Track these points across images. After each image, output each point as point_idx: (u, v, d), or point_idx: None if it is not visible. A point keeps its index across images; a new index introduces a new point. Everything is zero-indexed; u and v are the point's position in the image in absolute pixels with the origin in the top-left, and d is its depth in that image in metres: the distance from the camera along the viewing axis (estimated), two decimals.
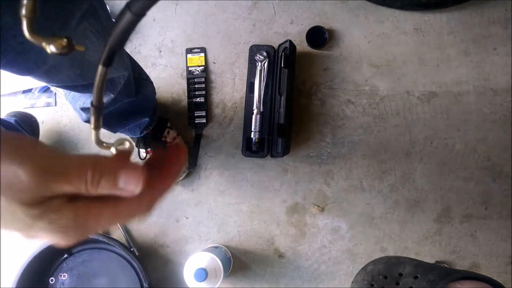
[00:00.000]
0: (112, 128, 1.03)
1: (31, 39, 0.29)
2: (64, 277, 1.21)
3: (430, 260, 1.19)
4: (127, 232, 1.25)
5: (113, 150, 0.32)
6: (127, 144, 0.32)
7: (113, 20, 0.68)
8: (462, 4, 1.20)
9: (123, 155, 0.32)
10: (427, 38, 1.21)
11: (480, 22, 1.20)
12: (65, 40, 0.28)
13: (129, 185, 0.28)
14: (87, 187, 0.27)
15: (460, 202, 1.19)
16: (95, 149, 0.33)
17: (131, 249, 1.21)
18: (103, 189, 0.28)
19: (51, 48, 0.28)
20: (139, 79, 0.94)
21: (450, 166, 1.20)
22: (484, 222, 1.19)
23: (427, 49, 1.21)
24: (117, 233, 1.26)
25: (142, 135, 1.13)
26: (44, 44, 0.28)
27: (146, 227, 1.26)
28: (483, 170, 1.19)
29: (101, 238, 1.17)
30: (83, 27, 0.57)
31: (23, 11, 0.28)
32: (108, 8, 1.21)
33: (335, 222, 1.22)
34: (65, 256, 1.21)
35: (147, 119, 1.09)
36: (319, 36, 1.22)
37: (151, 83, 1.03)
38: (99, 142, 0.32)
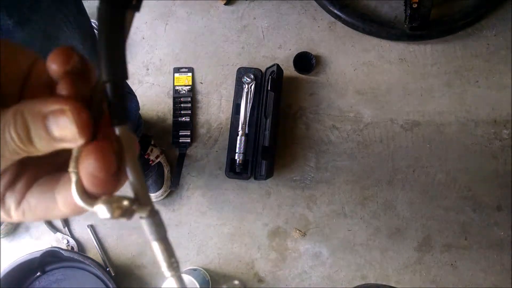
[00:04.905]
0: None
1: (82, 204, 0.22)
2: None
3: None
4: (104, 251, 1.22)
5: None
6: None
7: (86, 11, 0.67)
8: (446, 37, 1.23)
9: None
10: (411, 68, 1.24)
11: (463, 55, 1.23)
12: (125, 202, 0.22)
13: (64, 130, 0.20)
14: (18, 152, 0.20)
15: (440, 231, 1.20)
16: None
17: (107, 269, 1.17)
18: (41, 147, 0.20)
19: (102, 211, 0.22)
20: None
21: (431, 195, 1.21)
22: (464, 252, 1.19)
23: (411, 79, 1.23)
24: (93, 251, 1.23)
25: None
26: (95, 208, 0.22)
27: (124, 247, 1.23)
28: (464, 200, 1.20)
29: (76, 257, 1.13)
30: (53, 14, 0.57)
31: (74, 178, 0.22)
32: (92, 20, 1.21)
33: (316, 247, 1.21)
34: (38, 274, 1.16)
35: None
36: (306, 62, 1.24)
37: (135, 96, 1.03)
38: None
